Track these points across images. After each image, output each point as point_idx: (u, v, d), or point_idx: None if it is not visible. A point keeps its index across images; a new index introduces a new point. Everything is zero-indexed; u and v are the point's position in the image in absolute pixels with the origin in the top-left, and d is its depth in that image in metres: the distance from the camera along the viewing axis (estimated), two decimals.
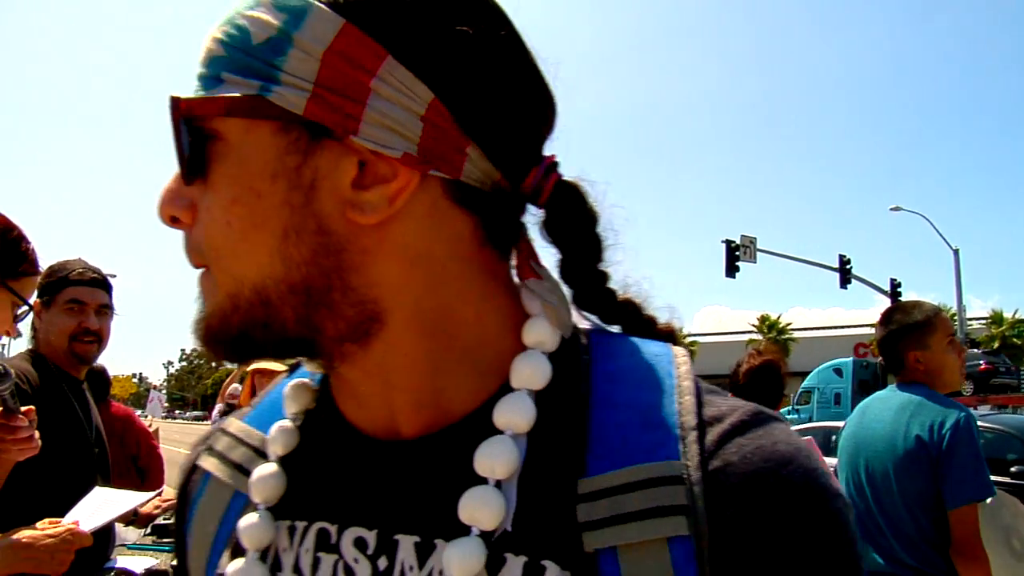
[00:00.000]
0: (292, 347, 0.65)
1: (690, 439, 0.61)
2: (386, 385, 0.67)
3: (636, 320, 0.74)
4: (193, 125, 0.61)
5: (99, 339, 2.77)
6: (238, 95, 0.60)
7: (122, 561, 2.61)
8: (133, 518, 3.23)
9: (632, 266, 0.73)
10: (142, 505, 3.00)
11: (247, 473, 0.73)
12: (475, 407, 0.66)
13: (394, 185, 0.61)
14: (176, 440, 34.34)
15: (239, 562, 0.70)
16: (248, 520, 0.70)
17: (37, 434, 2.01)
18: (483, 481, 0.62)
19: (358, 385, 0.69)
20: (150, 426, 6.19)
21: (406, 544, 0.64)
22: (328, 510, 0.69)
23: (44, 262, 2.82)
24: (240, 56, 0.60)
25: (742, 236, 25.34)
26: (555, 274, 0.72)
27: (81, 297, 2.74)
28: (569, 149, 0.71)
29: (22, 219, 1.96)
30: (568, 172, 0.70)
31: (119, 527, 3.08)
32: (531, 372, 0.65)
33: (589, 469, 0.61)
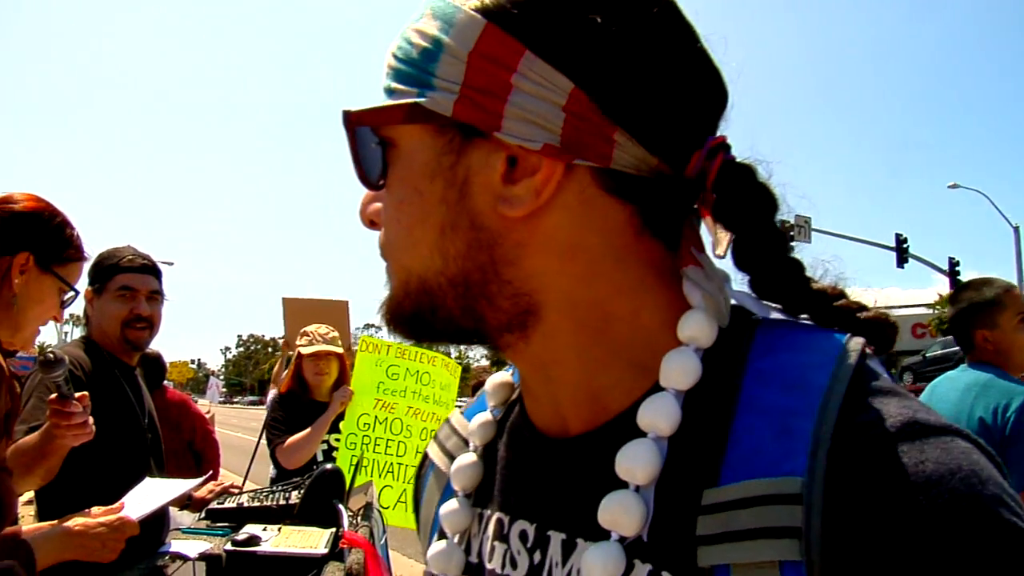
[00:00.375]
0: (463, 333, 0.69)
1: (822, 452, 0.55)
2: (548, 380, 0.69)
3: (827, 309, 0.67)
4: (378, 135, 0.67)
5: (150, 325, 2.79)
6: (398, 103, 0.64)
7: (176, 545, 2.62)
8: (188, 502, 3.26)
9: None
10: (194, 490, 3.03)
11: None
12: (629, 405, 0.65)
13: (539, 177, 0.61)
14: (233, 424, 35.05)
15: (440, 544, 0.77)
16: (449, 506, 0.77)
17: (91, 420, 2.03)
18: (624, 485, 0.61)
19: (528, 380, 0.72)
20: (208, 412, 6.29)
21: (555, 540, 0.67)
22: (505, 501, 0.73)
23: (100, 249, 2.85)
24: (405, 67, 0.65)
25: (796, 216, 24.46)
26: (731, 261, 0.68)
27: (132, 284, 2.76)
28: None
29: (80, 206, 1.97)
30: None
31: (174, 511, 3.11)
32: (679, 371, 0.63)
33: (721, 479, 0.58)
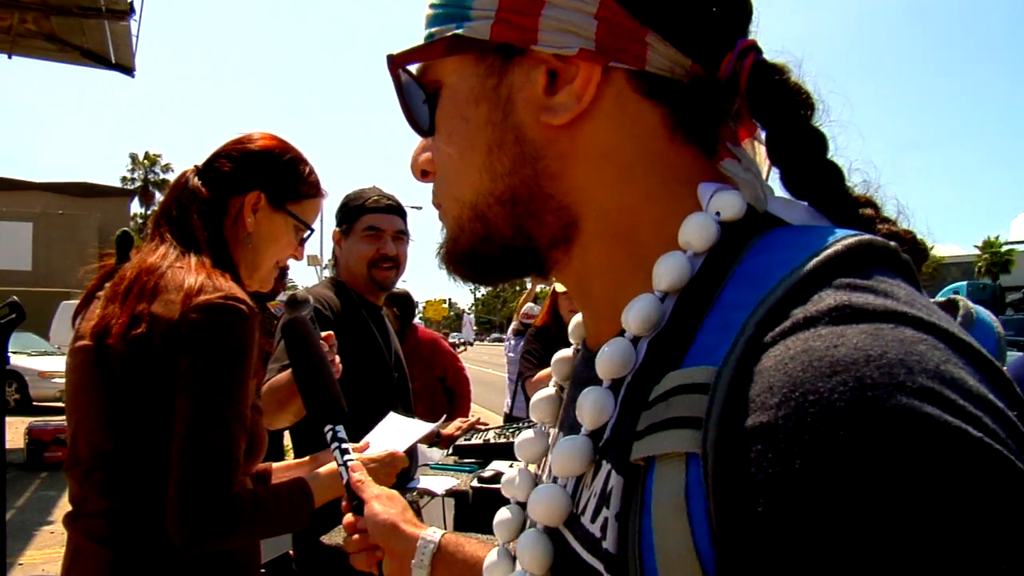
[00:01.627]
0: (517, 260, 0.70)
1: (741, 340, 0.50)
2: (586, 295, 0.71)
3: (852, 215, 0.64)
4: (421, 84, 0.71)
5: (396, 264, 2.84)
6: (438, 39, 0.68)
7: (424, 481, 2.69)
8: (436, 439, 3.35)
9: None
10: (442, 427, 3.09)
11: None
12: None
13: (578, 82, 0.63)
14: (484, 361, 36.72)
15: (512, 470, 0.81)
16: (523, 435, 0.79)
17: (338, 359, 2.05)
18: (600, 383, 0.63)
19: (574, 297, 0.74)
20: (463, 347, 6.48)
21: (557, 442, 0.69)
22: (561, 419, 0.78)
23: (344, 191, 2.92)
24: (441, 9, 0.68)
25: None
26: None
27: (378, 224, 2.82)
28: None
29: (328, 151, 1.98)
30: None
31: (423, 447, 3.20)
32: (663, 272, 0.62)
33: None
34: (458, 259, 0.72)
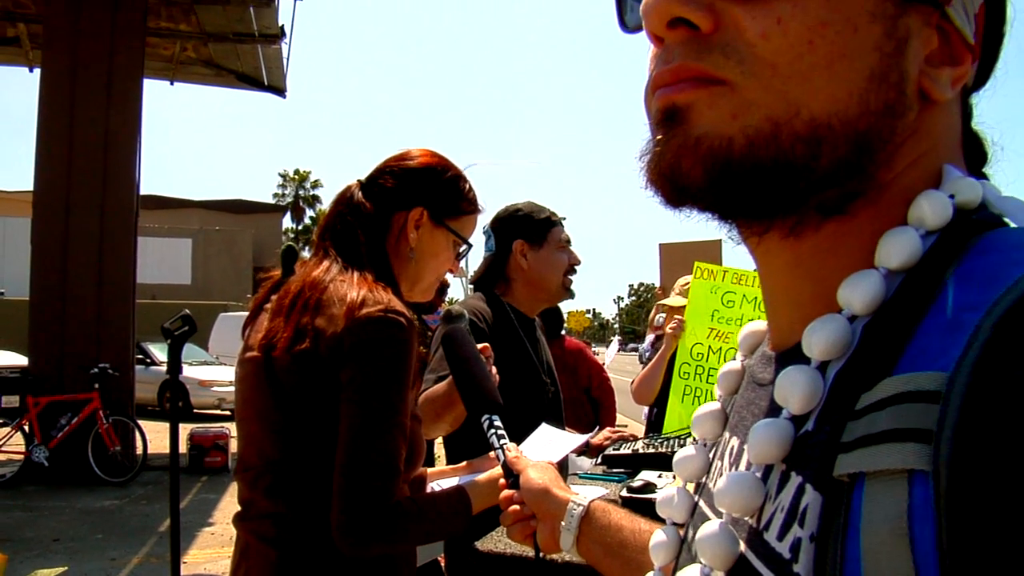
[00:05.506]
0: (782, 203, 0.57)
1: (976, 342, 0.42)
2: (811, 279, 0.60)
3: None
4: None
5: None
6: None
7: (574, 490, 2.70)
8: (585, 448, 3.36)
9: None
10: (591, 437, 3.09)
11: None
12: None
13: (961, 69, 0.58)
14: (628, 372, 36.33)
15: (668, 490, 0.76)
16: (684, 452, 0.75)
17: (495, 370, 2.07)
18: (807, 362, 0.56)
19: (776, 284, 0.64)
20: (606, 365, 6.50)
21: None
22: (730, 424, 0.71)
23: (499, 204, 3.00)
24: None
25: None
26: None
27: (566, 236, 2.97)
28: None
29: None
30: None
31: (573, 456, 3.22)
32: (892, 246, 0.55)
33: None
34: (734, 168, 0.54)
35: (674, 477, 0.77)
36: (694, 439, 0.75)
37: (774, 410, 0.57)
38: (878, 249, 0.55)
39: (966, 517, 0.39)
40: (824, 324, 0.55)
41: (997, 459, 0.38)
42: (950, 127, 0.61)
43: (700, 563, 0.61)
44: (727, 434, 0.71)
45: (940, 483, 0.40)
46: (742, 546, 0.58)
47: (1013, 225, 0.56)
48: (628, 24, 0.66)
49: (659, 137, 0.57)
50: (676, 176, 0.56)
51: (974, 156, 0.64)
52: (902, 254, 0.54)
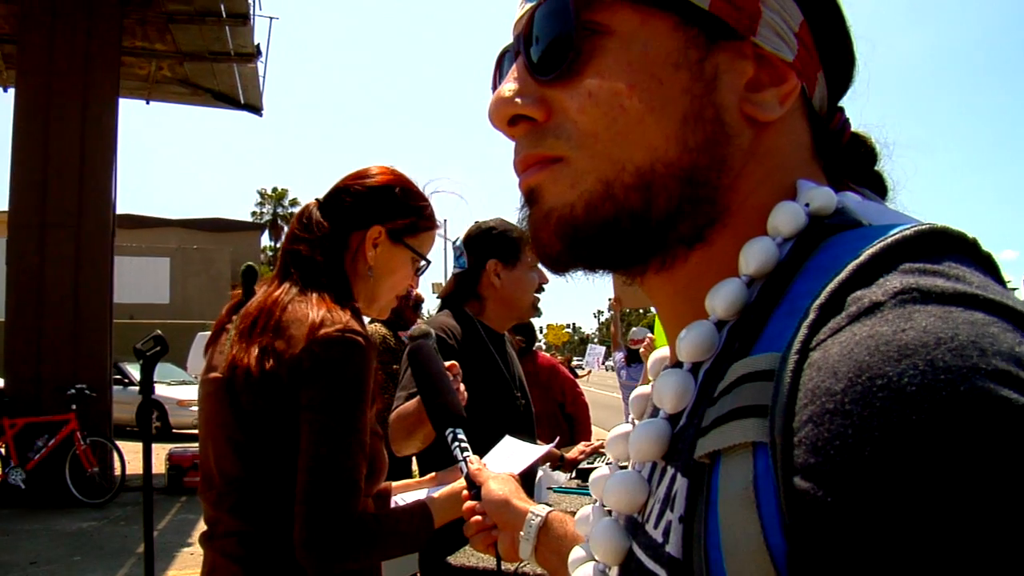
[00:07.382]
0: (639, 250, 0.64)
1: (803, 324, 0.47)
2: (687, 304, 0.65)
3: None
4: (584, 18, 0.62)
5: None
6: None
7: (549, 502, 2.72)
8: (560, 462, 3.39)
9: None
10: (565, 451, 3.13)
11: None
12: None
13: (786, 87, 0.63)
14: (608, 385, 36.42)
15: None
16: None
17: (463, 387, 2.10)
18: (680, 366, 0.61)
19: (668, 309, 0.69)
20: (586, 373, 6.52)
21: None
22: None
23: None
24: None
25: None
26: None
27: None
28: None
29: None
30: None
31: (547, 470, 3.25)
32: (750, 255, 0.59)
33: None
34: (583, 231, 0.63)
35: None
36: (607, 461, 0.77)
37: (653, 412, 0.63)
38: (739, 260, 0.60)
39: (798, 481, 0.42)
40: (690, 329, 0.60)
41: (815, 426, 0.42)
42: (795, 143, 0.66)
43: (595, 560, 0.67)
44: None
45: (776, 452, 0.44)
46: (631, 541, 0.62)
47: (867, 225, 0.59)
48: None
49: (526, 217, 0.68)
50: (541, 248, 0.66)
51: (860, 159, 0.71)
52: (758, 259, 0.59)
